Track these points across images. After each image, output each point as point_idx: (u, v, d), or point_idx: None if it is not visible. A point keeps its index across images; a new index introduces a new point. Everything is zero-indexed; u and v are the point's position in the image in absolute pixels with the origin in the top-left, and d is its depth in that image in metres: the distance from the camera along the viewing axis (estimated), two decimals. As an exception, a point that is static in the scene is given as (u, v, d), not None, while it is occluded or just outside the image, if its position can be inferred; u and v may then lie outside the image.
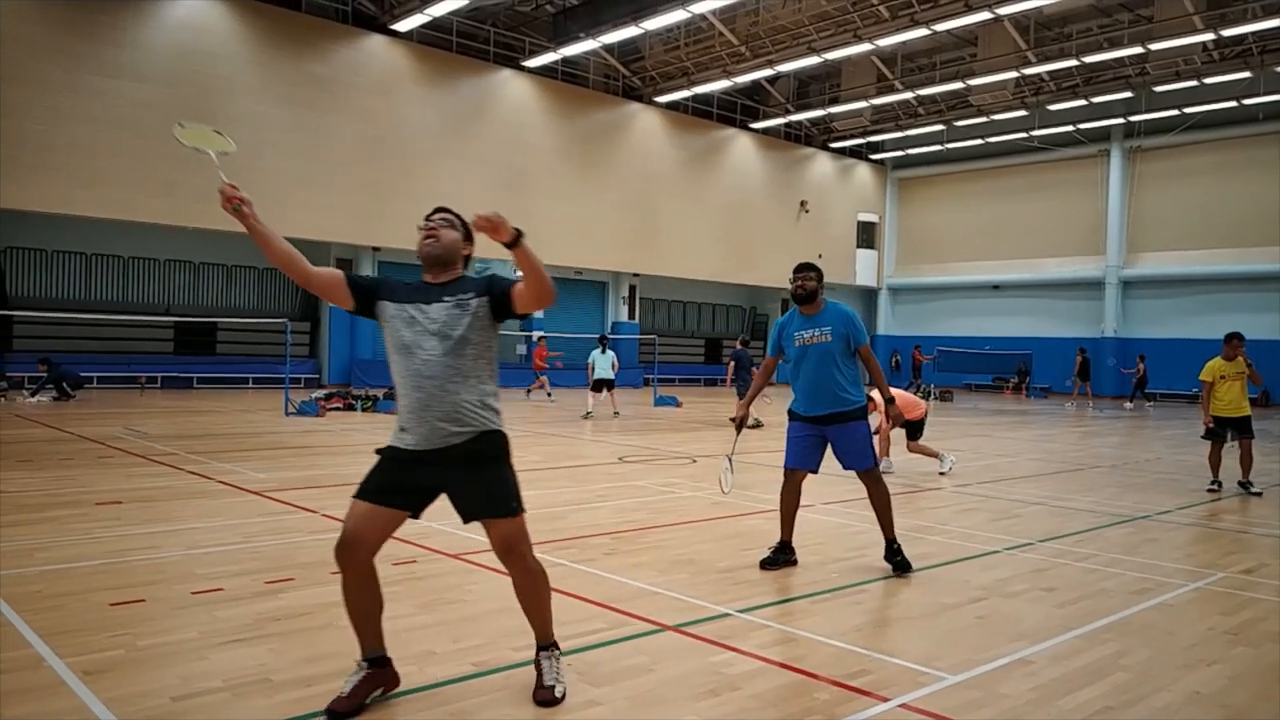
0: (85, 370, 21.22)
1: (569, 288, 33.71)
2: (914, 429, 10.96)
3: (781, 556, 5.90)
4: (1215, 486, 9.94)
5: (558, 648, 3.75)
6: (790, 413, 5.99)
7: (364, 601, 3.55)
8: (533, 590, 3.68)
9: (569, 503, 8.26)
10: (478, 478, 3.57)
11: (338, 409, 18.34)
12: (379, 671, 3.55)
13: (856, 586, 5.51)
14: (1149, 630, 4.77)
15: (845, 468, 5.88)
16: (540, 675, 3.63)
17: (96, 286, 24.61)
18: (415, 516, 3.62)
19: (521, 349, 32.80)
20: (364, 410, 18.40)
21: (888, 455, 11.02)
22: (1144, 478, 11.19)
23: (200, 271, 25.99)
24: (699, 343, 38.73)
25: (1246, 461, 9.84)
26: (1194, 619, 5.03)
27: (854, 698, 3.70)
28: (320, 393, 20.13)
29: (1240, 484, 9.82)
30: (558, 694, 3.56)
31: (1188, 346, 30.81)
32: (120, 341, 24.37)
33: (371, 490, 3.54)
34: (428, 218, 3.73)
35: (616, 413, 18.93)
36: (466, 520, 3.61)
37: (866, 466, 5.80)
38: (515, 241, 3.32)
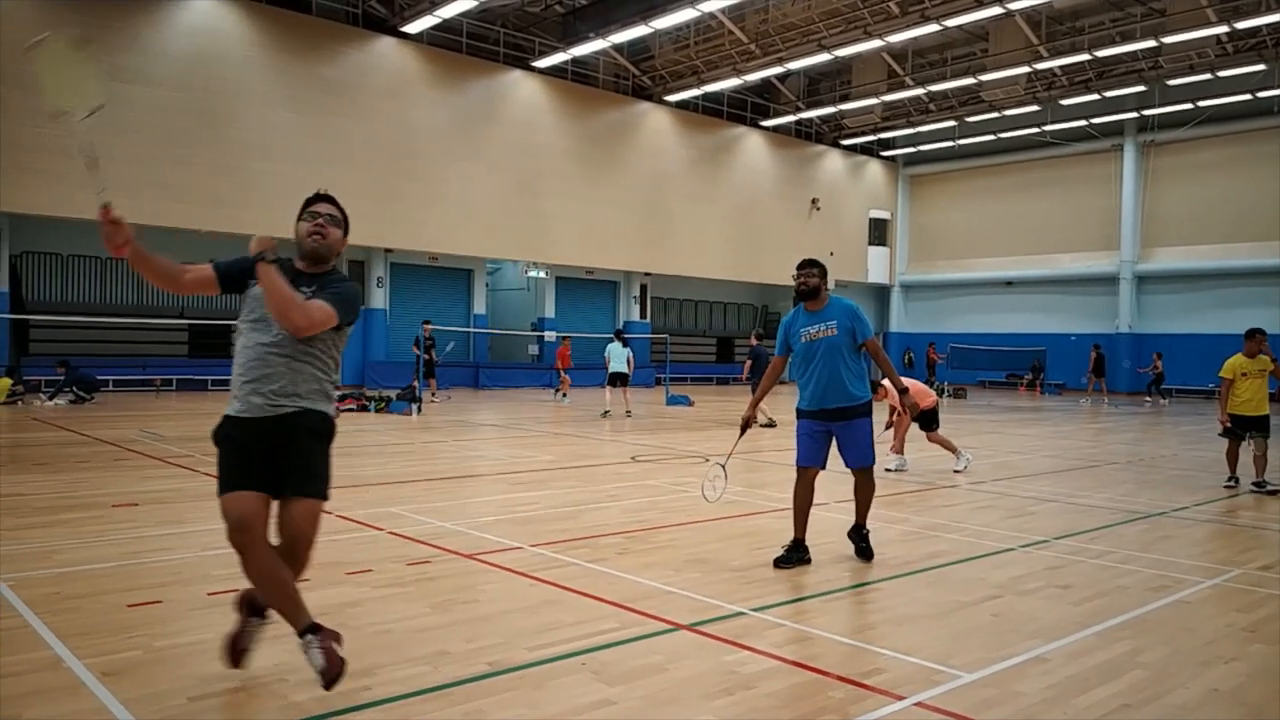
0: (101, 374, 21.37)
1: (581, 288, 33.77)
2: (928, 419, 10.86)
3: (795, 555, 5.90)
4: (1232, 483, 9.83)
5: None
6: (799, 411, 5.99)
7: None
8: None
9: (581, 502, 8.27)
10: (300, 450, 3.62)
11: (351, 410, 18.41)
12: (324, 633, 3.53)
13: (870, 585, 5.49)
14: (1165, 627, 4.74)
15: (848, 464, 5.95)
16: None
17: (112, 290, 24.79)
18: (276, 494, 3.57)
19: (534, 348, 32.88)
20: (377, 411, 18.47)
21: (901, 453, 10.92)
22: (1159, 474, 11.12)
23: (214, 274, 26.12)
24: (711, 341, 38.71)
25: (1261, 463, 9.62)
26: (1211, 616, 5.00)
27: (868, 696, 3.69)
28: (334, 394, 20.19)
29: (1255, 484, 9.60)
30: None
31: (1202, 342, 30.63)
32: (135, 345, 24.54)
33: (235, 476, 3.55)
34: (311, 205, 3.82)
35: (629, 412, 18.93)
36: (277, 494, 3.58)
37: (868, 464, 5.93)
38: (259, 257, 3.53)
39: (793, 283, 6.04)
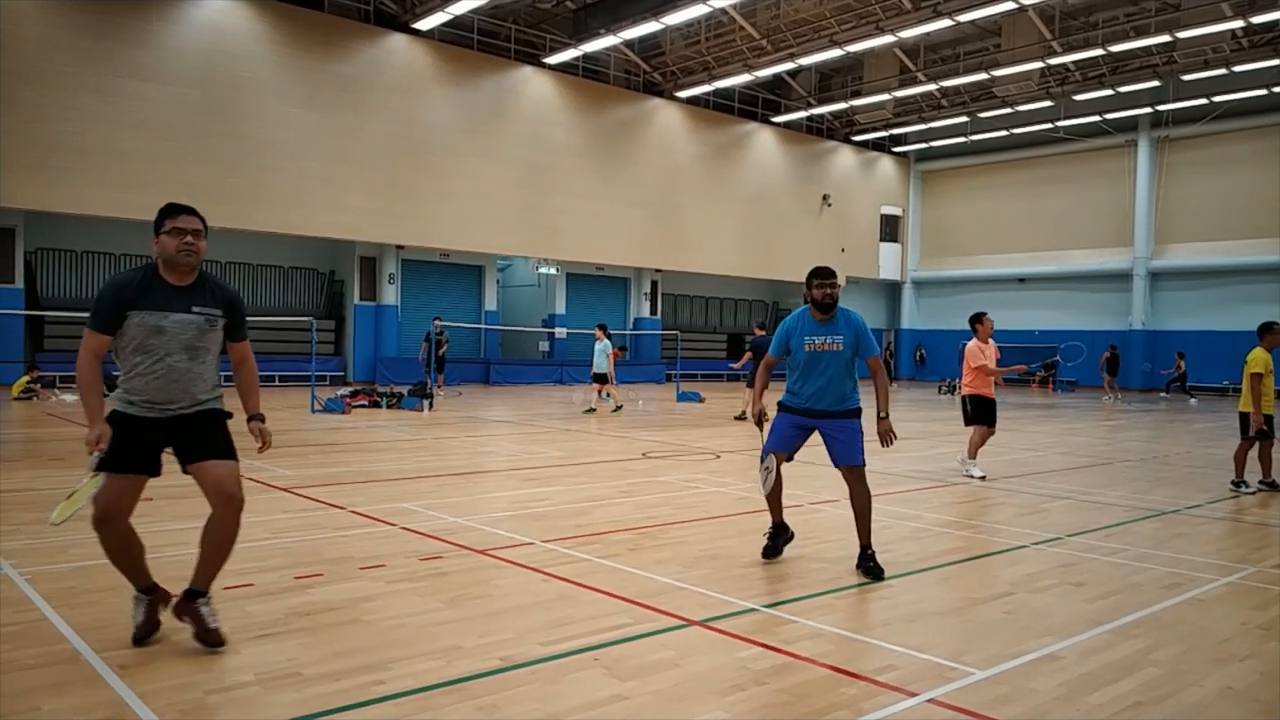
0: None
1: (591, 284, 33.79)
2: (986, 412, 10.20)
3: (780, 540, 5.86)
4: (1240, 485, 9.45)
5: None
6: (783, 405, 5.91)
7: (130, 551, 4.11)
8: (231, 536, 4.09)
9: (593, 498, 8.28)
10: (203, 433, 4.08)
11: (363, 406, 18.47)
12: (155, 596, 4.14)
13: (883, 581, 5.49)
14: (1180, 625, 4.73)
15: (836, 463, 5.74)
16: (203, 620, 4.00)
17: (125, 286, 24.88)
18: (155, 475, 4.09)
19: (544, 345, 32.91)
20: (389, 407, 18.53)
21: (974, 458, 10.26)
22: (1173, 472, 11.07)
23: (226, 271, 26.24)
24: (721, 338, 38.67)
25: (1268, 461, 9.47)
26: (1225, 614, 4.97)
27: (881, 692, 3.70)
28: (346, 390, 20.29)
29: (1263, 483, 9.46)
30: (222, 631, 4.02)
31: (1216, 338, 30.44)
32: (148, 340, 24.63)
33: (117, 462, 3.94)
34: (172, 215, 3.99)
35: (619, 407, 18.77)
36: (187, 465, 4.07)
37: (857, 463, 5.67)
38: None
39: (802, 282, 5.87)
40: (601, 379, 18.58)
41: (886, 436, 5.80)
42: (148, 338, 3.93)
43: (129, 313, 3.91)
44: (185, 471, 4.11)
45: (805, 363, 5.74)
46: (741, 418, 15.91)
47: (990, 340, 10.37)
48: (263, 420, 4.27)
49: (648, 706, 3.52)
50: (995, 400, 10.33)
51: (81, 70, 20.42)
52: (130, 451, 3.94)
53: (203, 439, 4.05)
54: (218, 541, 4.09)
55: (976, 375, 10.22)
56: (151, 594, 4.15)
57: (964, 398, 10.41)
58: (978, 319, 10.41)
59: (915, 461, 11.39)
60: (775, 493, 5.87)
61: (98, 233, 23.67)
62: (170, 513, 7.13)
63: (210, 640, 3.99)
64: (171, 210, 4.01)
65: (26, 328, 22.31)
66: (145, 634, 4.05)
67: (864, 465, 5.71)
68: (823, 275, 5.76)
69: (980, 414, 10.25)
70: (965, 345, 10.46)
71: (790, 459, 5.87)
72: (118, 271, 24.18)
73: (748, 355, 17.40)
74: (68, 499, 3.85)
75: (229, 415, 4.21)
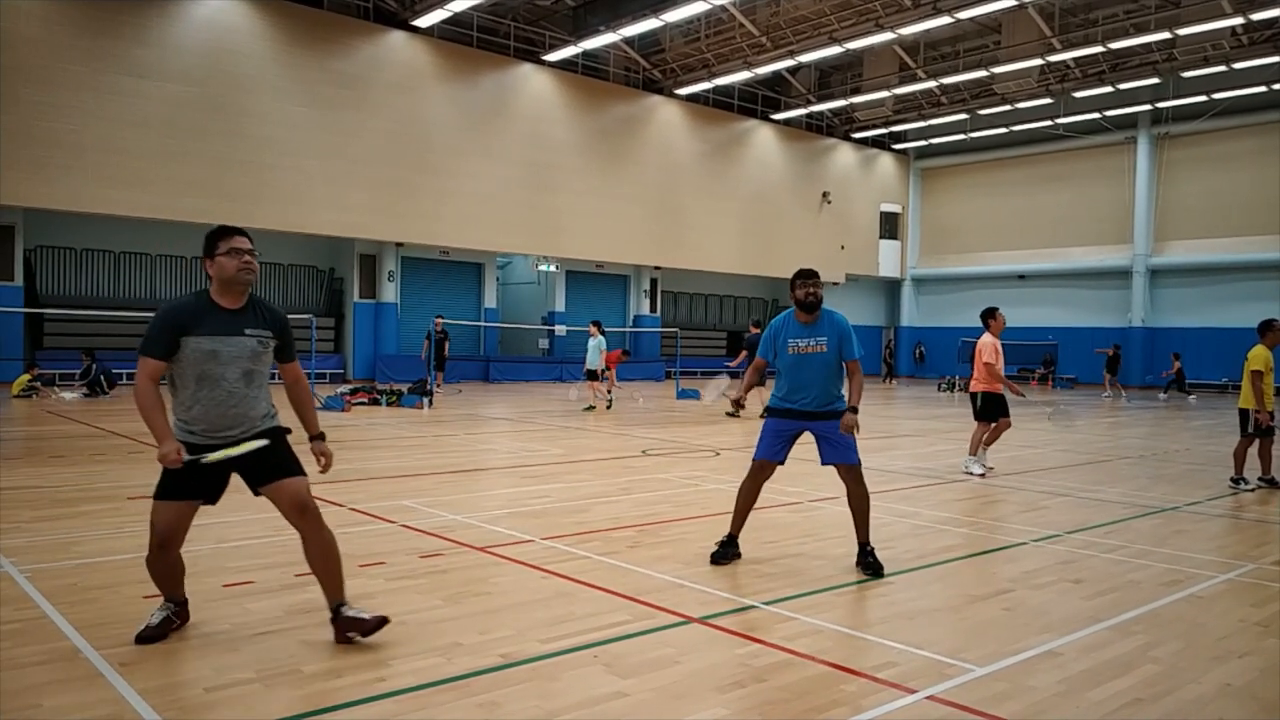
0: (114, 367, 21.51)
1: (591, 282, 33.79)
2: (996, 407, 10.17)
3: (730, 550, 5.80)
4: (1240, 482, 9.45)
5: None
6: (770, 409, 5.89)
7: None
8: (330, 546, 4.14)
9: (592, 496, 8.29)
10: (267, 454, 4.10)
11: (363, 404, 18.48)
12: (181, 610, 4.21)
13: (882, 578, 5.49)
14: (1179, 622, 4.73)
15: (825, 461, 5.70)
16: (361, 623, 4.06)
17: (125, 284, 24.93)
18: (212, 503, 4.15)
19: (544, 342, 32.92)
20: (389, 405, 18.53)
21: (981, 452, 10.24)
22: (1173, 469, 11.07)
23: (226, 268, 26.25)
24: (721, 335, 38.67)
25: (1267, 458, 9.46)
26: (1224, 611, 4.98)
27: (880, 689, 3.70)
28: (346, 388, 20.28)
29: (1262, 480, 9.46)
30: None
31: (1216, 335, 30.45)
32: (148, 339, 24.64)
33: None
34: (227, 237, 4.02)
35: (609, 404, 18.80)
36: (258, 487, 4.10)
37: (852, 461, 5.64)
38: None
39: (801, 296, 5.80)
40: (594, 375, 18.61)
41: (849, 427, 5.59)
42: (204, 363, 3.94)
43: (184, 338, 3.91)
44: (257, 494, 4.11)
45: (791, 365, 5.73)
46: (733, 414, 15.93)
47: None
48: (324, 439, 4.28)
49: (647, 703, 3.52)
50: (1004, 395, 10.26)
51: (81, 68, 20.40)
52: (191, 478, 3.95)
53: (269, 460, 4.06)
54: (323, 556, 4.12)
55: (988, 371, 10.13)
56: (180, 607, 4.19)
57: (974, 394, 10.36)
58: (990, 314, 10.34)
59: (914, 459, 11.40)
60: (744, 508, 5.85)
61: (98, 230, 23.67)
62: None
63: (377, 625, 4.07)
64: (226, 232, 4.03)
65: (26, 326, 22.31)
66: (151, 637, 4.05)
67: (859, 464, 5.70)
68: (805, 276, 5.77)
69: (990, 410, 10.19)
70: (976, 341, 10.42)
71: (782, 463, 5.84)
72: (119, 269, 24.51)
73: (743, 354, 17.38)
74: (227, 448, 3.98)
75: (288, 431, 4.22)
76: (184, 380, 3.98)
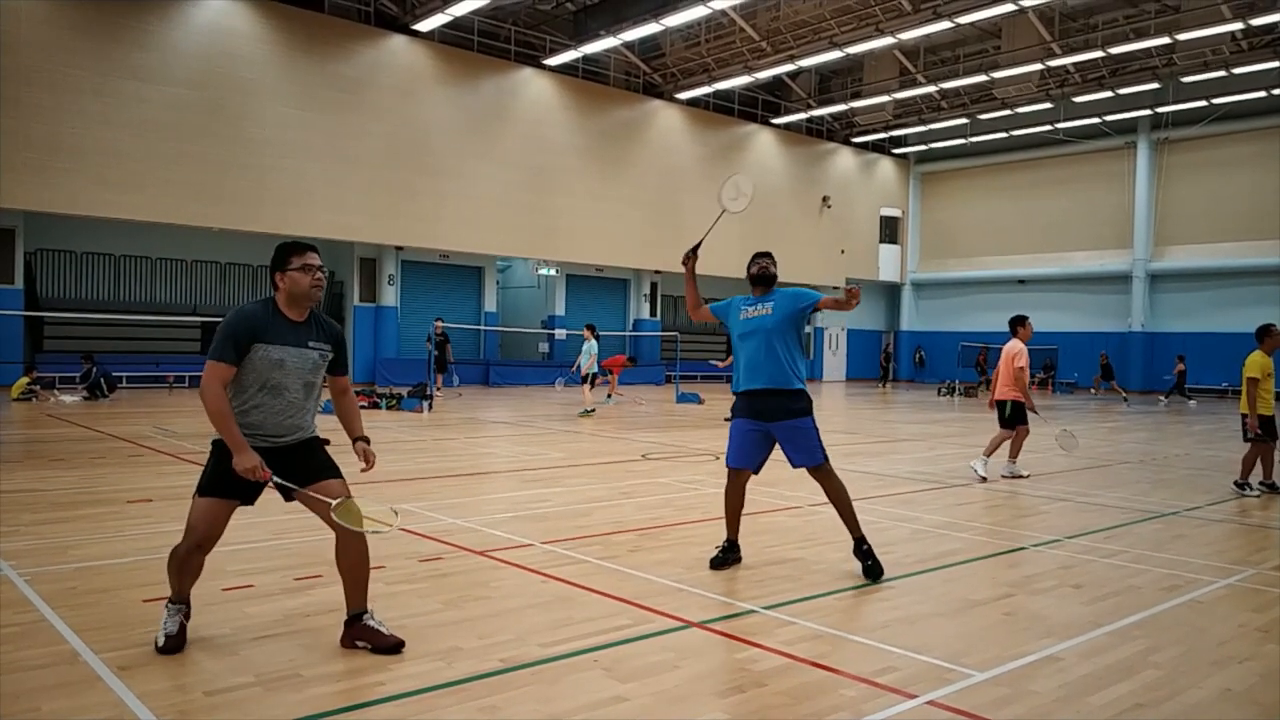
0: (114, 370, 21.52)
1: (591, 286, 33.79)
2: (1022, 414, 10.24)
3: (731, 555, 5.81)
4: (1244, 487, 9.43)
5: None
6: (733, 409, 5.89)
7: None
8: (366, 554, 4.17)
9: (593, 499, 8.28)
10: (309, 459, 4.20)
11: (363, 407, 18.37)
12: (188, 607, 4.16)
13: (882, 583, 5.49)
14: (1179, 627, 4.73)
15: (795, 465, 5.70)
16: (378, 635, 4.05)
17: (125, 288, 24.94)
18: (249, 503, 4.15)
19: (544, 346, 32.91)
20: (388, 408, 18.54)
21: (1011, 463, 10.36)
22: (1172, 473, 11.07)
23: (226, 272, 26.27)
24: (720, 339, 38.61)
25: (1269, 463, 9.43)
26: (1225, 616, 4.98)
27: (880, 694, 3.70)
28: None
29: (1263, 485, 9.43)
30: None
31: (1216, 340, 30.46)
32: (148, 341, 24.70)
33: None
34: (300, 253, 4.07)
35: (589, 411, 18.76)
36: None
37: (817, 463, 5.62)
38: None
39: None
40: (587, 378, 18.62)
41: (855, 299, 5.36)
42: (270, 371, 3.97)
43: (255, 345, 3.93)
44: (289, 500, 4.17)
45: (740, 334, 5.84)
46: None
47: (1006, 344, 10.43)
48: (368, 442, 4.30)
49: (647, 708, 3.52)
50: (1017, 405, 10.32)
51: (82, 72, 20.42)
52: (236, 478, 3.94)
53: (311, 464, 4.14)
54: (358, 562, 4.14)
55: (1018, 379, 10.13)
56: (187, 605, 4.17)
57: (1001, 401, 10.33)
58: (1020, 321, 10.47)
59: (915, 463, 11.39)
60: (734, 511, 5.86)
61: (98, 234, 23.68)
62: (171, 514, 7.13)
63: (392, 648, 4.03)
64: (298, 248, 4.07)
65: (26, 329, 22.31)
66: (175, 647, 3.98)
67: (826, 461, 5.66)
68: (759, 255, 6.03)
69: (1017, 418, 10.25)
70: (1004, 346, 10.46)
71: (757, 471, 5.84)
72: (120, 272, 24.52)
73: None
74: (355, 516, 4.06)
75: (327, 441, 4.30)
76: (243, 385, 3.99)
